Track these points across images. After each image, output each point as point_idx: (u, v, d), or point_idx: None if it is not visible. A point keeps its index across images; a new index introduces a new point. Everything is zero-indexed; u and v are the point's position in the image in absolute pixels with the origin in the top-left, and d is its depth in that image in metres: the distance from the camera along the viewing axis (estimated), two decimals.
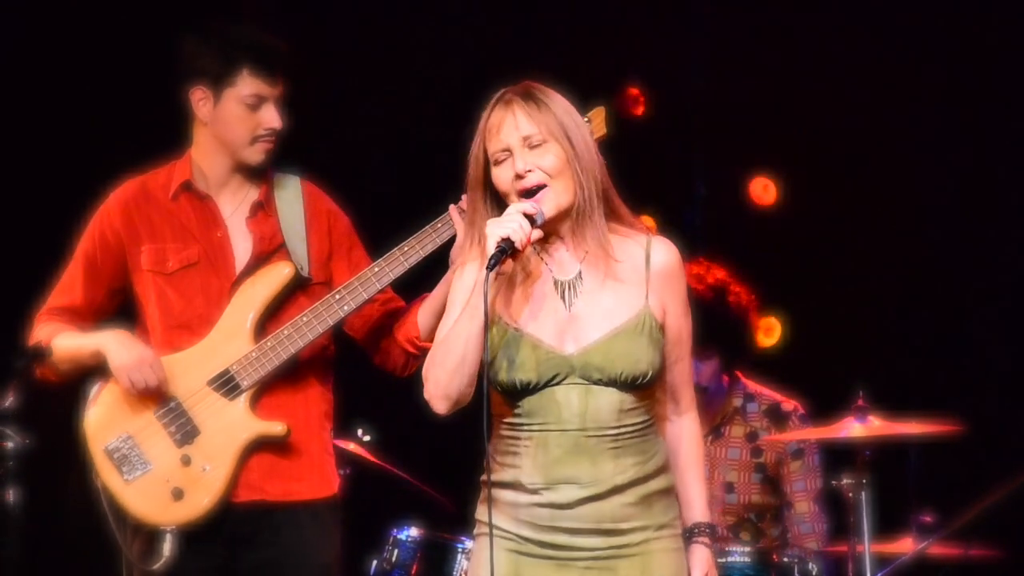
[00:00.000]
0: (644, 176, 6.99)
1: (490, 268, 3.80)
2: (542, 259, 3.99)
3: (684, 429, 4.04)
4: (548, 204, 3.91)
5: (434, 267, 4.75)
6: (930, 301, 6.85)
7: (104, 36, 6.81)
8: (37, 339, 4.85)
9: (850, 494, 5.50)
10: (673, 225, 7.19)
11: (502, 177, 3.95)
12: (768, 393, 6.08)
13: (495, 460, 3.94)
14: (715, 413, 6.05)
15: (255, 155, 4.84)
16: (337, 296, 4.76)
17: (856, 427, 5.47)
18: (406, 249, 4.77)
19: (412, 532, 5.85)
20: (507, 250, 3.82)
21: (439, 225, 4.73)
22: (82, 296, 4.89)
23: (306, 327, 4.75)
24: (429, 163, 6.88)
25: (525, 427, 3.92)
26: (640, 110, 7.27)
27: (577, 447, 3.89)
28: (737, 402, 6.05)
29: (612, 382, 3.89)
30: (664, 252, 3.98)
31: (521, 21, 7.03)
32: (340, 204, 4.98)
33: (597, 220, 3.94)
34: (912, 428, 5.45)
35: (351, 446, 6.00)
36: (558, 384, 3.89)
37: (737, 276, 6.10)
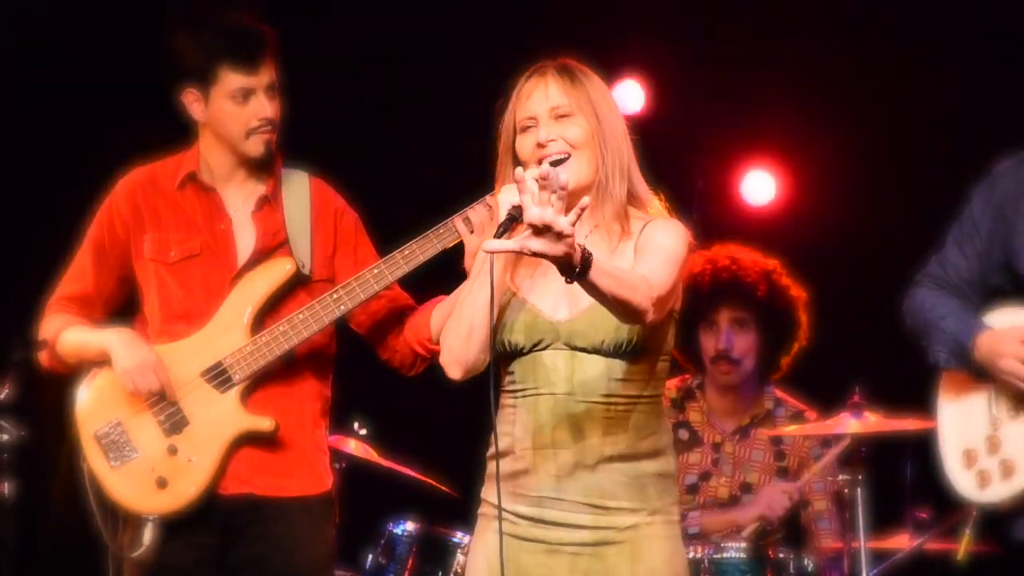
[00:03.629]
0: (642, 171, 7.02)
1: (498, 235, 3.79)
2: None
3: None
4: (572, 173, 3.91)
5: (442, 269, 4.73)
6: None
7: (112, 24, 6.81)
8: (46, 331, 4.86)
9: (846, 491, 5.51)
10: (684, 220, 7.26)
11: (525, 144, 3.99)
12: (793, 401, 6.07)
13: (497, 432, 3.97)
14: (747, 408, 6.02)
15: (254, 147, 4.83)
16: (335, 295, 4.76)
17: (852, 423, 5.47)
18: (407, 253, 4.75)
19: (408, 527, 5.85)
20: (517, 217, 3.77)
21: (441, 230, 4.71)
22: (93, 284, 4.89)
23: (301, 324, 4.75)
24: (436, 166, 6.91)
25: (519, 393, 3.97)
26: (640, 105, 7.26)
27: (564, 412, 3.92)
28: (769, 405, 6.04)
29: (596, 350, 3.91)
30: (657, 221, 3.97)
31: (520, 17, 7.02)
32: (350, 201, 4.97)
33: (618, 196, 3.96)
34: (908, 424, 5.44)
35: (351, 444, 5.99)
36: (545, 349, 3.93)
37: (789, 271, 6.09)
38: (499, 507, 3.91)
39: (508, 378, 4.00)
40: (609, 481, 3.92)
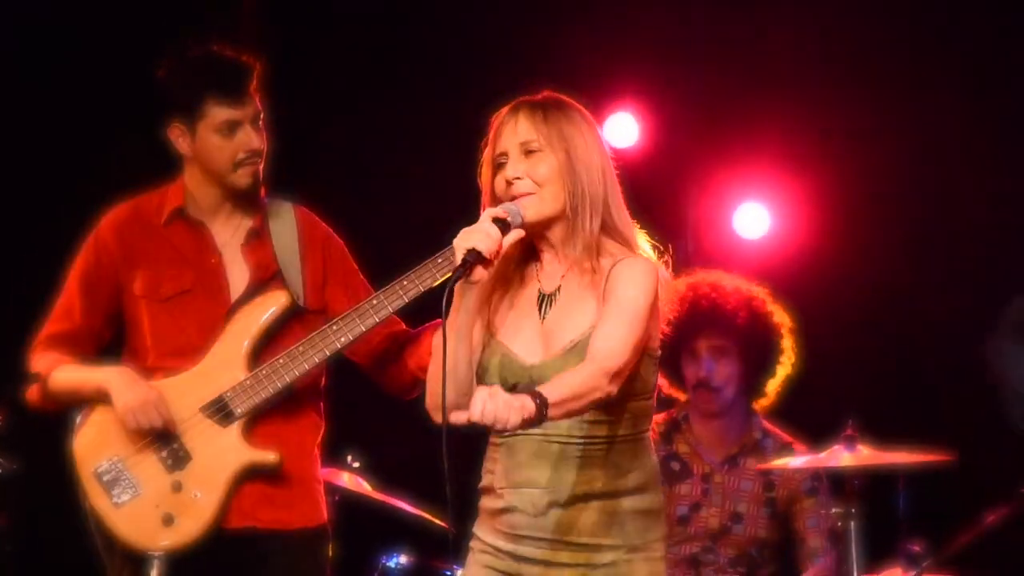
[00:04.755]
0: (635, 203, 7.04)
1: (453, 281, 3.86)
2: (536, 268, 4.03)
3: (581, 366, 3.82)
4: (531, 210, 3.93)
5: (440, 295, 4.73)
6: (919, 330, 6.85)
7: (95, 61, 6.83)
8: (35, 369, 4.84)
9: (839, 523, 5.51)
10: (663, 252, 7.28)
11: (497, 181, 3.99)
12: (780, 434, 6.07)
13: (484, 467, 4.02)
14: (735, 437, 6.02)
15: (241, 180, 4.83)
16: (334, 327, 4.75)
17: (845, 456, 5.47)
18: (405, 283, 4.74)
19: (401, 560, 5.84)
20: (472, 261, 3.83)
21: (439, 260, 4.70)
22: (80, 321, 4.87)
23: (301, 357, 4.74)
24: (429, 193, 6.91)
25: (500, 433, 3.94)
26: (633, 138, 7.28)
27: (540, 452, 3.93)
28: (756, 435, 6.04)
29: None
30: (622, 263, 3.93)
31: (514, 49, 7.04)
32: (336, 229, 4.98)
33: (587, 232, 3.94)
34: (901, 457, 5.45)
35: (345, 477, 5.99)
36: (520, 392, 3.88)
37: (774, 298, 6.09)
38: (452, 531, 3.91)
39: None
40: (585, 519, 3.93)
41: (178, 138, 4.83)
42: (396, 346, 4.90)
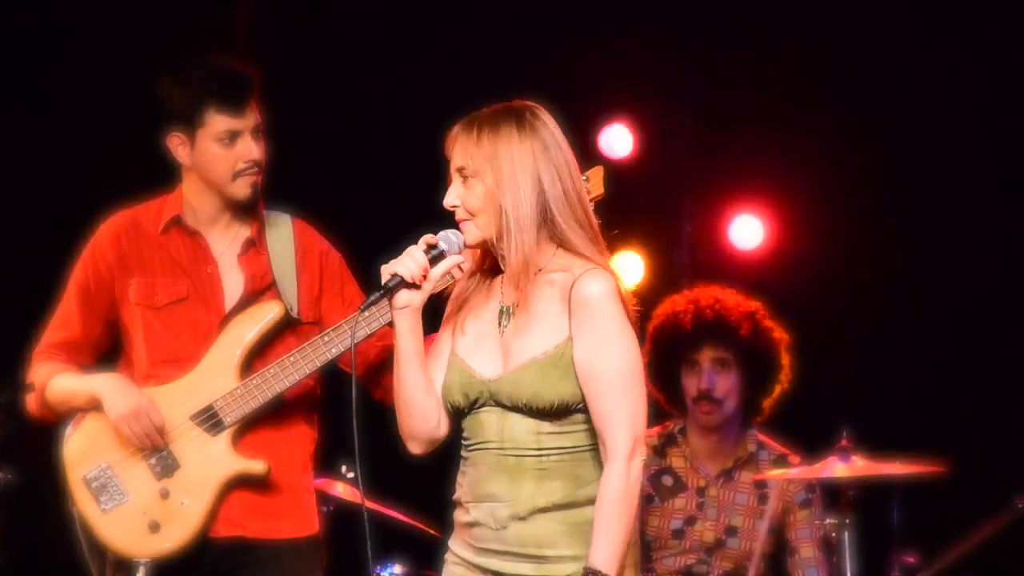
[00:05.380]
0: (631, 215, 7.05)
1: (367, 304, 4.01)
2: (500, 281, 4.04)
3: (606, 477, 3.89)
4: (469, 236, 3.98)
5: (432, 308, 4.73)
6: (914, 341, 6.86)
7: (93, 66, 6.84)
8: (34, 379, 4.84)
9: (833, 534, 5.51)
10: (659, 264, 7.29)
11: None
12: (776, 446, 6.06)
13: (456, 480, 4.05)
14: (730, 450, 6.01)
15: (241, 190, 4.83)
16: (326, 338, 4.75)
17: (840, 467, 5.47)
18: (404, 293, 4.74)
19: (396, 570, 5.84)
20: (393, 287, 3.93)
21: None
22: (80, 329, 4.87)
23: (292, 367, 4.74)
24: (427, 203, 6.91)
25: (468, 447, 4.02)
26: (628, 149, 7.29)
27: (498, 465, 3.95)
28: (751, 448, 6.03)
29: (519, 409, 3.93)
30: (585, 284, 3.92)
31: (511, 59, 7.05)
32: (333, 242, 4.98)
33: (516, 250, 3.93)
34: (896, 468, 5.46)
35: (339, 487, 5.99)
36: (481, 407, 3.97)
37: (772, 313, 6.09)
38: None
39: (463, 433, 4.05)
40: (546, 530, 3.92)
41: (177, 147, 4.83)
42: (392, 358, 4.90)
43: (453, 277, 4.13)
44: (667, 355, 6.04)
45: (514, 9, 7.12)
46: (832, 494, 5.73)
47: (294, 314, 4.84)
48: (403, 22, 7.17)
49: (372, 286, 4.82)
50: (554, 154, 3.97)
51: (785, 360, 6.03)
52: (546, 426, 3.92)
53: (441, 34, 7.17)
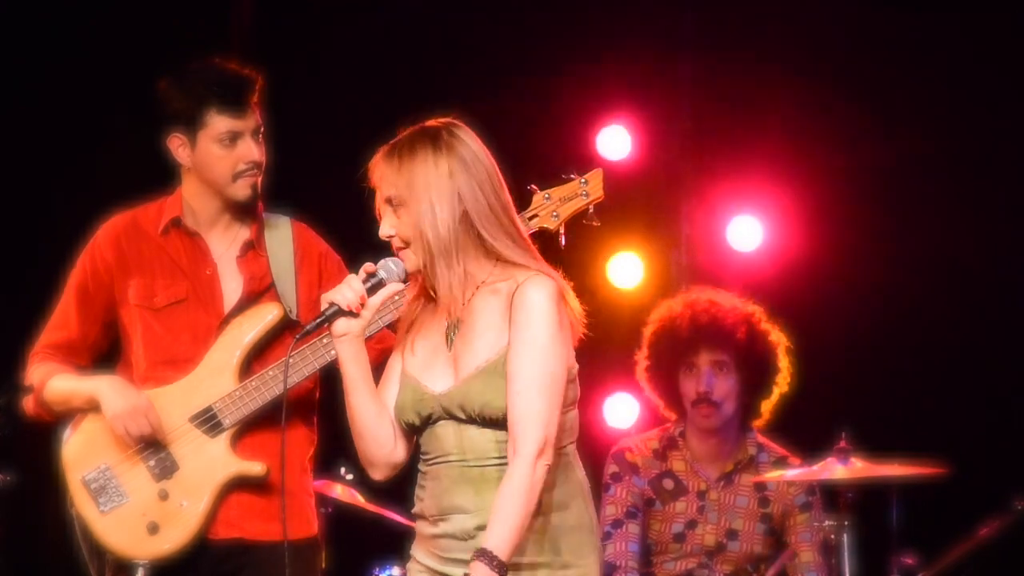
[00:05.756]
0: (629, 217, 7.05)
1: (304, 333, 4.11)
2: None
3: (511, 473, 3.88)
4: (408, 263, 4.01)
5: None
6: (913, 343, 6.86)
7: (92, 68, 6.84)
8: (32, 379, 4.84)
9: (832, 536, 5.51)
10: (658, 265, 7.29)
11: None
12: (776, 448, 6.06)
13: (416, 494, 4.06)
14: (730, 453, 6.01)
15: (240, 191, 4.83)
16: (325, 340, 4.74)
17: (839, 469, 5.47)
18: (396, 298, 4.74)
19: (394, 572, 5.84)
20: (330, 315, 4.00)
21: None
22: (77, 330, 4.87)
23: (291, 369, 4.74)
24: None
25: (426, 462, 4.02)
26: (626, 151, 7.29)
27: (462, 477, 3.95)
28: (751, 450, 6.02)
29: (473, 420, 3.94)
30: (525, 289, 3.92)
31: (509, 60, 7.05)
32: (332, 244, 4.98)
33: (441, 274, 3.95)
34: (894, 470, 5.46)
35: (338, 489, 5.99)
36: (436, 422, 3.98)
37: (769, 316, 6.09)
38: None
39: (418, 448, 4.06)
40: None
41: (178, 148, 4.84)
42: (387, 360, 4.91)
43: (398, 303, 4.19)
44: (665, 359, 6.04)
45: (511, 10, 7.11)
46: (831, 496, 5.73)
47: (293, 316, 4.84)
48: (400, 23, 7.17)
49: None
50: (474, 169, 3.96)
51: (782, 363, 6.03)
52: (504, 435, 3.93)
53: (438, 36, 7.17)
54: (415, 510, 4.06)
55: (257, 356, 4.80)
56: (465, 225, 3.94)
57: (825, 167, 6.98)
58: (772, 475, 5.85)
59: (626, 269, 7.24)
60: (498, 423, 3.92)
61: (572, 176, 4.68)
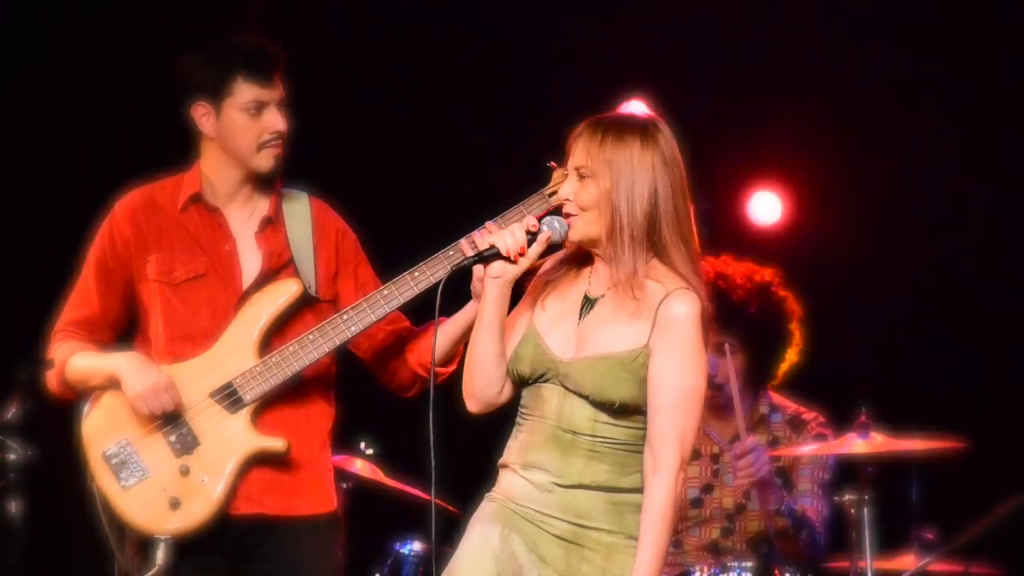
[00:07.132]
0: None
1: (457, 266, 4.23)
2: (590, 271, 4.18)
3: (650, 490, 4.06)
4: (574, 230, 4.14)
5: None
6: (933, 317, 6.85)
7: (109, 54, 6.84)
8: (52, 357, 4.85)
9: (852, 510, 5.51)
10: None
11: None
12: (787, 404, 6.05)
13: (508, 444, 4.22)
14: (743, 415, 5.98)
15: (264, 161, 4.83)
16: (345, 316, 4.76)
17: (858, 443, 5.47)
18: (416, 274, 4.76)
19: (415, 547, 5.86)
20: (488, 256, 4.13)
21: (451, 252, 4.70)
22: (98, 306, 4.88)
23: (312, 345, 4.75)
24: (438, 192, 6.91)
25: (524, 415, 4.18)
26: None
27: (554, 438, 4.12)
28: (763, 410, 6.02)
29: (582, 397, 4.09)
30: (674, 303, 4.06)
31: (527, 37, 7.04)
32: (349, 222, 4.99)
33: (627, 258, 4.08)
34: (914, 445, 5.46)
35: (358, 464, 6.00)
36: (545, 382, 4.13)
37: (785, 283, 6.07)
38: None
39: (520, 401, 4.21)
40: (588, 504, 4.10)
41: (201, 117, 4.83)
42: (399, 342, 4.92)
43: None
44: None
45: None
46: (850, 470, 5.72)
47: (312, 292, 4.84)
48: (420, 16, 7.17)
49: (385, 267, 4.87)
50: (672, 169, 4.15)
51: (795, 330, 6.01)
52: (604, 416, 4.09)
53: (456, 27, 7.16)
54: (501, 460, 4.20)
55: (276, 332, 4.81)
56: (650, 217, 4.08)
57: (846, 141, 6.97)
58: (786, 452, 5.84)
59: None
60: (602, 406, 4.07)
61: None
